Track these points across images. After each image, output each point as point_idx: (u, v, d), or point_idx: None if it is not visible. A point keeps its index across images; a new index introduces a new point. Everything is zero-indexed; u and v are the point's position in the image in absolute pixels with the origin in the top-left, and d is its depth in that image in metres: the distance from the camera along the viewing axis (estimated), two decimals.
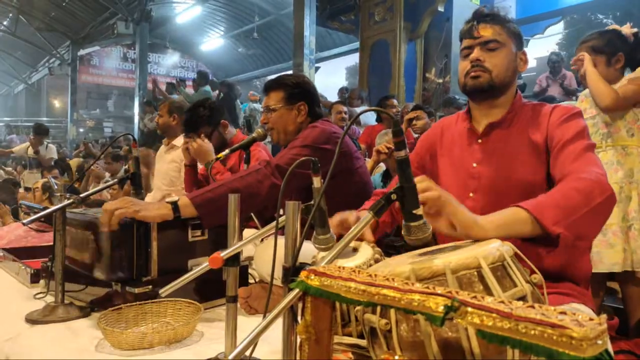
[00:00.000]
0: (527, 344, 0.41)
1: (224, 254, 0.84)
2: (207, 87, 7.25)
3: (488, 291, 0.69)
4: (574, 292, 1.15)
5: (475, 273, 0.71)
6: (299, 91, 1.80)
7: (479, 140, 1.32)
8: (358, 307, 0.76)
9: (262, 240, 1.37)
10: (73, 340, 1.07)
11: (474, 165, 1.30)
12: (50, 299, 1.29)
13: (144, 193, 1.48)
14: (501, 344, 0.43)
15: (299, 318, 0.66)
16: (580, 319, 0.40)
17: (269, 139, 1.92)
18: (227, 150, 1.86)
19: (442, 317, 0.47)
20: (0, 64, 20.51)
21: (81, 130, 17.50)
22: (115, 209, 1.17)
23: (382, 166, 3.04)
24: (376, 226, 1.30)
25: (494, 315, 0.44)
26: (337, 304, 0.89)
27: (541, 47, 12.27)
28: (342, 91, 6.99)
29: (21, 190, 5.36)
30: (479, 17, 1.31)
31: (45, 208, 2.29)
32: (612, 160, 2.12)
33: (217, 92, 7.34)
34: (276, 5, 13.51)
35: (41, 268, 1.48)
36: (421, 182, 0.89)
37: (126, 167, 5.43)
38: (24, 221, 1.51)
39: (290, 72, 6.22)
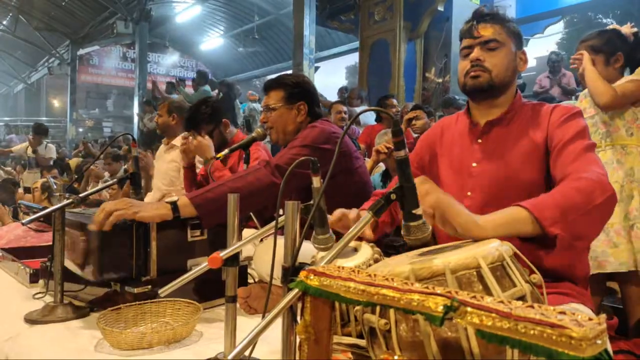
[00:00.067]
0: (526, 343, 0.41)
1: (223, 253, 0.84)
2: (207, 87, 7.25)
3: (487, 291, 0.69)
4: (573, 292, 1.15)
5: (475, 273, 0.71)
6: (298, 91, 1.80)
7: (479, 140, 1.32)
8: (357, 307, 0.76)
9: (261, 240, 1.37)
10: (72, 340, 1.07)
11: (474, 165, 1.30)
12: (49, 299, 1.29)
13: (143, 193, 1.48)
14: (500, 343, 0.43)
15: (298, 318, 0.66)
16: (580, 318, 0.40)
17: (268, 138, 1.92)
18: (226, 150, 1.86)
19: (442, 317, 0.47)
20: (0, 64, 20.50)
21: (80, 130, 17.50)
22: (114, 210, 1.16)
23: (382, 166, 3.04)
24: (376, 226, 1.30)
25: (493, 315, 0.43)
26: (337, 304, 0.89)
27: (541, 46, 12.28)
28: (341, 91, 6.99)
29: (20, 190, 5.36)
30: (479, 16, 1.31)
31: (44, 208, 2.29)
32: (611, 159, 2.12)
33: (216, 91, 7.33)
34: (276, 5, 13.51)
35: (40, 268, 1.48)
36: (421, 184, 0.89)
37: (125, 166, 5.43)
38: (23, 221, 1.51)
39: (290, 71, 6.22)
